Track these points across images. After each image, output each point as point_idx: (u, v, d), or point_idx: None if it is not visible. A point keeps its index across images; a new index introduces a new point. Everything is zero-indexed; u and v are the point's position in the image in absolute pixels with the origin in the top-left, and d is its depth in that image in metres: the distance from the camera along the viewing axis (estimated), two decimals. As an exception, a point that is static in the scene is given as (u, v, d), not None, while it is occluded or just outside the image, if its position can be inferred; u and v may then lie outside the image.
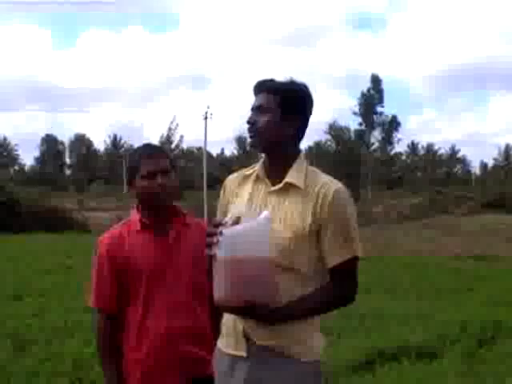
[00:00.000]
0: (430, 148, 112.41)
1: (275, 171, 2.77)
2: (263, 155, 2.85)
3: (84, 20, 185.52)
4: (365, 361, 7.35)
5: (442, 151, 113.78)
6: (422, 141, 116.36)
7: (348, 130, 67.75)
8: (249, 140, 2.78)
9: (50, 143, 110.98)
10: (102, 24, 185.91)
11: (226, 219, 2.58)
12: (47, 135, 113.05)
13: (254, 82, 2.81)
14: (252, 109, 2.76)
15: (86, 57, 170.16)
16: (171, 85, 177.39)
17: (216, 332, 2.97)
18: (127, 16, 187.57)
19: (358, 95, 70.18)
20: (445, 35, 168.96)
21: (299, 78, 2.81)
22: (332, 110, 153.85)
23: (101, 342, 3.32)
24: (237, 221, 2.57)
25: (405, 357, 7.43)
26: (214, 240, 2.50)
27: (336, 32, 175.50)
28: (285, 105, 2.73)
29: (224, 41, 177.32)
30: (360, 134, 68.29)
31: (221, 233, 2.48)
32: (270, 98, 2.73)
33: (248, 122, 2.75)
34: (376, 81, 70.58)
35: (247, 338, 2.69)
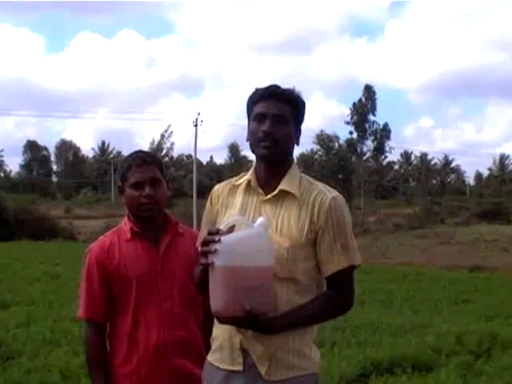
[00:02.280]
0: (423, 157, 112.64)
1: (269, 180, 2.74)
2: (254, 163, 2.82)
3: (76, 24, 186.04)
4: (359, 374, 7.31)
5: (435, 161, 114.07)
6: (416, 150, 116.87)
7: (337, 138, 67.77)
8: (262, 150, 2.69)
9: (34, 149, 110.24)
10: (94, 28, 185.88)
11: (221, 227, 2.54)
12: (29, 141, 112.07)
13: (264, 87, 2.77)
14: (264, 115, 2.69)
15: (77, 61, 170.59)
16: (162, 91, 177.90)
17: (209, 345, 2.93)
18: (120, 21, 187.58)
19: (350, 104, 70.36)
20: (441, 43, 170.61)
21: (291, 85, 2.82)
22: (322, 118, 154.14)
23: (90, 353, 3.25)
24: (231, 229, 2.54)
25: (400, 370, 7.40)
26: (212, 248, 2.46)
27: (331, 39, 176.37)
28: (296, 115, 2.75)
29: (217, 47, 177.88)
30: (351, 143, 68.35)
31: (219, 240, 2.45)
32: (286, 108, 2.71)
33: (266, 132, 2.67)
34: (369, 90, 70.76)
35: (243, 352, 2.65)
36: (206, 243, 2.50)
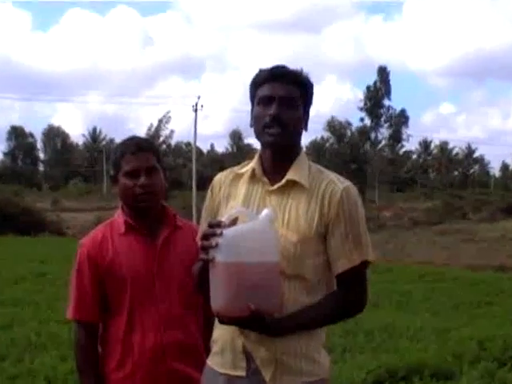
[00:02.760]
0: (443, 146, 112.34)
1: (275, 169, 2.74)
2: (258, 151, 2.81)
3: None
4: (372, 382, 7.32)
5: (457, 150, 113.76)
6: (435, 138, 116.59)
7: (349, 125, 67.69)
8: (268, 136, 2.68)
9: (19, 136, 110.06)
10: (85, 4, 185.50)
11: (223, 219, 2.54)
12: (13, 127, 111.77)
13: (269, 68, 2.76)
14: (270, 98, 2.69)
15: (66, 40, 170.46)
16: (159, 73, 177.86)
17: (209, 349, 2.93)
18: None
19: (363, 87, 70.24)
20: (464, 21, 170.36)
21: (299, 67, 2.81)
22: (334, 103, 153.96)
23: (80, 357, 3.25)
24: (234, 222, 2.54)
25: (417, 378, 7.39)
26: (213, 243, 2.46)
27: (344, 16, 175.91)
28: (304, 98, 2.75)
29: (220, 25, 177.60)
30: (364, 131, 68.18)
31: (221, 234, 2.45)
32: (296, 91, 2.71)
33: (273, 116, 2.66)
34: (383, 72, 70.59)
35: (246, 355, 2.65)
36: (206, 237, 2.50)
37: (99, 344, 3.26)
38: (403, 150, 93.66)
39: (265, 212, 2.54)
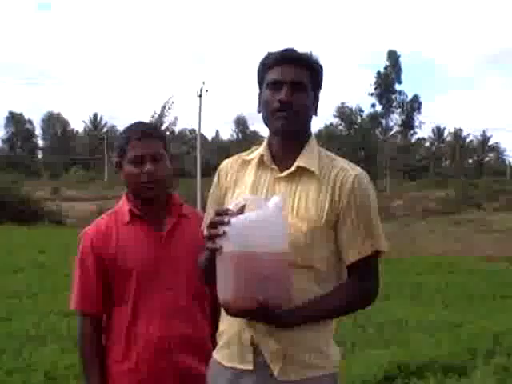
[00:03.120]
0: (457, 133, 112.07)
1: (284, 155, 2.74)
2: (267, 136, 2.81)
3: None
4: (383, 377, 7.33)
5: (471, 137, 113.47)
6: (449, 125, 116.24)
7: (361, 111, 67.56)
8: (278, 122, 2.68)
9: (18, 122, 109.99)
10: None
11: (230, 208, 2.53)
12: (11, 113, 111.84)
13: (279, 51, 2.74)
14: (280, 83, 2.68)
15: (65, 20, 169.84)
16: (163, 57, 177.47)
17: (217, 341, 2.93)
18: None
19: (374, 72, 70.04)
20: (481, 2, 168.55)
21: (308, 50, 2.81)
22: (345, 88, 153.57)
23: (84, 349, 3.26)
24: (242, 209, 2.52)
25: (430, 372, 7.40)
26: (220, 231, 2.45)
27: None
28: (314, 82, 2.75)
29: (226, 6, 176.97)
30: (374, 117, 68.05)
31: (228, 222, 2.44)
32: (305, 74, 2.71)
33: (283, 101, 2.66)
34: (393, 56, 70.38)
35: (254, 348, 2.64)
36: (213, 225, 2.49)
37: (103, 335, 3.27)
38: (415, 137, 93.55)
39: (274, 199, 2.53)
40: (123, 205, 3.29)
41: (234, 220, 2.44)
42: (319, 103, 2.81)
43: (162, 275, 3.18)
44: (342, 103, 68.25)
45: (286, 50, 2.74)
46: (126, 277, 3.17)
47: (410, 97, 69.39)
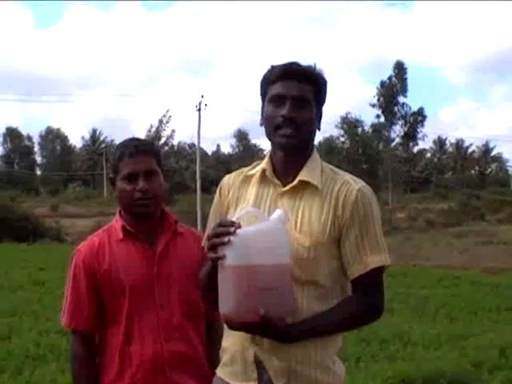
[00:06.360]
0: (459, 144, 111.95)
1: (287, 170, 2.73)
2: (269, 151, 2.80)
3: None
4: (388, 392, 7.31)
5: (473, 148, 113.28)
6: (451, 136, 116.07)
7: (362, 123, 67.35)
8: (281, 137, 2.66)
9: (16, 138, 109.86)
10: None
11: (234, 220, 2.51)
12: (9, 129, 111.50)
13: (282, 65, 2.73)
14: (283, 98, 2.67)
15: (67, 38, 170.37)
16: (163, 72, 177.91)
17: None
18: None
19: (377, 83, 69.87)
20: (486, 14, 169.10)
21: (312, 63, 2.84)
22: (346, 100, 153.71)
23: (76, 369, 3.24)
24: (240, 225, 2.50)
25: (436, 387, 7.38)
26: (225, 239, 2.43)
27: (358, 8, 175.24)
28: (318, 97, 2.73)
29: (227, 20, 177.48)
30: (378, 129, 67.91)
31: (234, 232, 2.42)
32: (308, 89, 2.69)
33: (286, 117, 2.64)
34: (400, 68, 70.32)
35: (258, 366, 2.62)
36: (217, 235, 2.47)
37: (96, 354, 3.25)
38: (417, 148, 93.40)
39: (276, 213, 2.52)
40: (116, 221, 3.27)
41: (239, 231, 2.43)
42: (322, 117, 2.80)
43: (155, 293, 3.16)
44: (347, 113, 68.03)
45: (289, 64, 2.72)
46: (118, 294, 3.15)
47: (414, 109, 69.22)
